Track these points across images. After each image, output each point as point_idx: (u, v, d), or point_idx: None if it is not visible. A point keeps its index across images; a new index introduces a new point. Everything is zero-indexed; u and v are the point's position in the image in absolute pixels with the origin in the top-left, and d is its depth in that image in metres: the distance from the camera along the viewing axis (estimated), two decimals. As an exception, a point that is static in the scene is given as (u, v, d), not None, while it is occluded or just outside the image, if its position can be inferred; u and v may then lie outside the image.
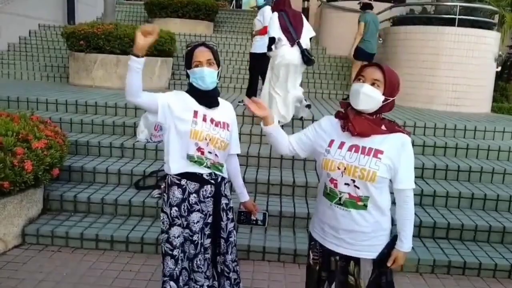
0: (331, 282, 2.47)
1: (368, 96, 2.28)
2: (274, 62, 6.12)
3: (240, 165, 5.33)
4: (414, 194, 4.95)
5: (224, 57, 10.58)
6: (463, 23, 8.38)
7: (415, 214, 4.73)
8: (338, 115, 2.45)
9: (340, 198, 2.33)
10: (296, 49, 6.01)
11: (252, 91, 7.51)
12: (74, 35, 8.59)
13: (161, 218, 2.79)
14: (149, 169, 5.18)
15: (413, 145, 5.88)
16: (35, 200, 4.49)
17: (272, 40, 6.03)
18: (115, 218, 4.68)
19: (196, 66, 2.66)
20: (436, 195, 5.09)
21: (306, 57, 6.02)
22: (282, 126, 6.27)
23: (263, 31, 6.77)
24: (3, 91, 7.19)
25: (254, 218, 3.04)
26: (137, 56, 2.51)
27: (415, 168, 5.12)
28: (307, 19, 7.90)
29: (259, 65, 7.19)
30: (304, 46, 6.01)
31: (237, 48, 11.14)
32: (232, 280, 2.91)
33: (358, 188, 2.28)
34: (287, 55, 6.01)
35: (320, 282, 2.53)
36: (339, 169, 2.30)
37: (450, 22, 8.46)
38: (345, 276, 2.40)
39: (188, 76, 2.75)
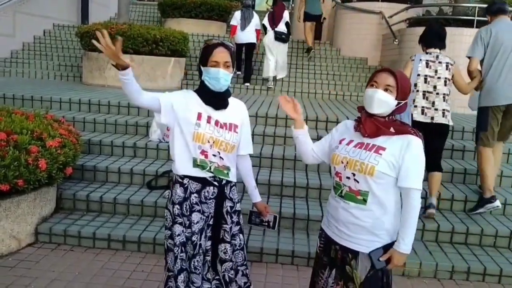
0: (332, 268, 2.54)
1: (381, 101, 2.38)
2: (265, 40, 9.52)
3: (253, 166, 5.30)
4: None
5: (238, 58, 10.56)
6: (481, 25, 8.23)
7: (433, 219, 4.73)
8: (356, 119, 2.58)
9: (341, 191, 2.44)
10: (272, 32, 9.39)
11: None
12: (88, 35, 8.61)
13: (165, 215, 2.77)
14: (161, 169, 5.15)
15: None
16: (48, 199, 4.48)
17: (264, 26, 9.56)
18: (127, 218, 4.66)
19: (212, 66, 2.60)
20: (454, 199, 5.00)
21: (277, 37, 9.36)
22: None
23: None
24: (17, 89, 7.23)
25: (265, 220, 3.01)
26: (119, 69, 2.43)
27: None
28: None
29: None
30: (278, 29, 9.39)
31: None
32: (242, 284, 2.86)
33: (358, 182, 2.36)
34: (268, 35, 9.47)
35: (322, 267, 2.61)
36: (342, 163, 2.43)
37: (468, 24, 8.32)
38: (343, 265, 2.47)
39: (200, 72, 2.70)
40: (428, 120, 4.69)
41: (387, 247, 2.38)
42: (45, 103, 6.58)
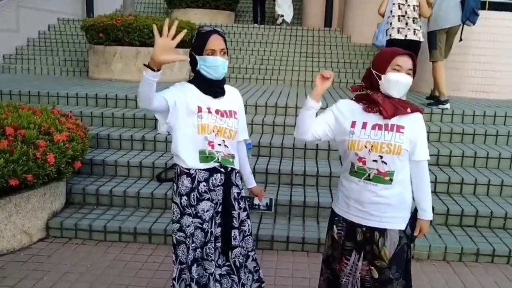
0: (360, 251, 2.57)
1: (406, 86, 2.47)
2: None
3: (263, 156, 5.42)
4: (441, 182, 4.90)
5: (246, 48, 10.51)
6: (491, 6, 8.09)
7: (442, 202, 4.72)
8: (359, 100, 2.58)
9: (369, 175, 2.47)
10: None
11: (254, 16, 12.58)
12: (93, 28, 8.57)
13: (172, 208, 2.76)
14: (171, 161, 5.13)
15: (440, 132, 5.81)
16: (58, 194, 4.50)
17: None
18: (137, 210, 4.67)
19: (209, 54, 2.57)
20: (464, 182, 4.97)
21: None
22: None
23: None
24: (23, 85, 7.23)
25: (257, 203, 3.05)
26: (153, 70, 2.32)
27: (441, 155, 5.14)
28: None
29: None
30: None
31: (259, 38, 11.02)
32: (252, 268, 2.89)
33: (386, 163, 2.43)
34: None
35: (343, 252, 2.64)
36: (366, 147, 2.44)
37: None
38: (371, 245, 2.53)
39: (194, 62, 2.65)
40: (403, 37, 6.26)
41: (412, 219, 2.56)
42: (51, 98, 6.56)
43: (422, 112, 2.53)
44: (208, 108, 2.62)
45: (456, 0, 6.43)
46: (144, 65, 2.34)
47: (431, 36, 6.64)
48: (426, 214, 2.54)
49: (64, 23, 11.71)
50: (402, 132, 2.42)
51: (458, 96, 8.06)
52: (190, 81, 2.70)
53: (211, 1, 12.50)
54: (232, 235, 2.77)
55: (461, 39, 6.60)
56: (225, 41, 2.64)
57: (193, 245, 2.69)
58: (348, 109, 2.58)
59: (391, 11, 6.31)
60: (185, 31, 2.40)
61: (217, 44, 2.58)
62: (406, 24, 6.25)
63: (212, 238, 2.71)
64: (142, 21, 8.47)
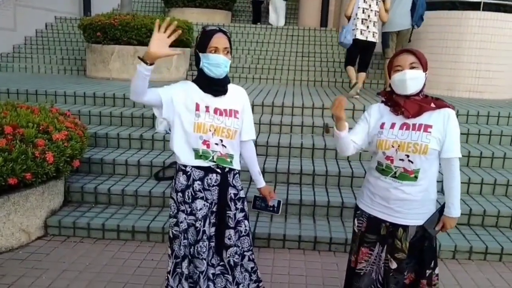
0: (383, 244, 2.70)
1: (413, 79, 2.51)
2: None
3: (260, 154, 5.45)
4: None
5: (242, 47, 10.54)
6: (488, 7, 8.16)
7: (436, 201, 4.74)
8: (385, 103, 2.68)
9: (395, 173, 2.56)
10: None
11: (255, 19, 13.52)
12: (91, 27, 8.59)
13: (170, 203, 2.80)
14: (169, 160, 5.18)
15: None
16: (56, 192, 4.53)
17: None
18: (135, 209, 4.71)
19: (212, 52, 2.58)
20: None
21: None
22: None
23: None
24: (21, 84, 7.25)
25: (271, 205, 3.06)
26: (146, 63, 2.41)
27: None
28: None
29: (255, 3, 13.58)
30: None
31: (255, 38, 11.06)
32: (249, 268, 2.92)
33: (412, 162, 2.50)
34: None
35: (363, 244, 2.77)
36: (393, 147, 2.54)
37: (474, 7, 8.23)
38: (392, 239, 2.64)
39: (197, 60, 2.68)
40: (364, 38, 7.23)
41: (438, 214, 2.63)
42: (49, 97, 6.59)
43: (454, 109, 2.57)
44: (207, 107, 2.64)
45: (408, 8, 7.75)
46: (139, 58, 2.44)
47: (385, 36, 7.92)
48: (450, 211, 2.58)
49: (61, 22, 11.72)
50: (430, 132, 2.48)
51: (452, 96, 8.13)
52: (193, 80, 2.73)
53: (208, 0, 12.53)
54: (227, 235, 2.79)
55: (410, 40, 7.95)
56: (229, 41, 2.65)
57: (185, 241, 2.71)
58: (377, 111, 2.70)
59: (356, 14, 7.20)
60: (180, 31, 2.49)
61: (221, 42, 2.59)
62: (367, 27, 7.24)
63: (205, 237, 2.73)
64: (140, 20, 8.49)
